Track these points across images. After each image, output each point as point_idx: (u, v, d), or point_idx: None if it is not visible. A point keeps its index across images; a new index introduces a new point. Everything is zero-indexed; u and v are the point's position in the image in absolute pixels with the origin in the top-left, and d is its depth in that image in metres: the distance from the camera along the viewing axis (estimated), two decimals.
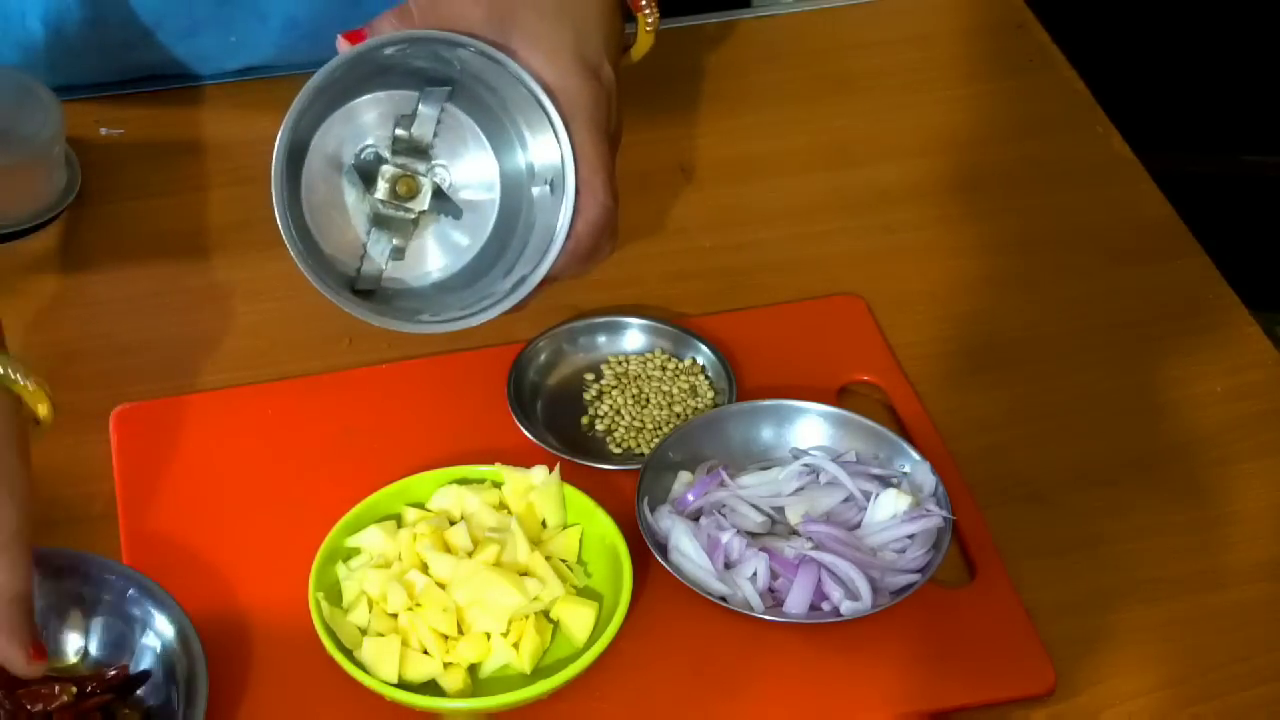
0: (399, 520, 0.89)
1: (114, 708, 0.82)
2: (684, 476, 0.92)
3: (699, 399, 0.98)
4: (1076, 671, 0.87)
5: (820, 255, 1.10)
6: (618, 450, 0.96)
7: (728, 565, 0.88)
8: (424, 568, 0.86)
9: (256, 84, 1.19)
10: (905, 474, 0.92)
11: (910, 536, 0.89)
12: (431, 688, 0.84)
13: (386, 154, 0.91)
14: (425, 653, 0.84)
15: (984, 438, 0.98)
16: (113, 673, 0.82)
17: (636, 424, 0.97)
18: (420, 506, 0.90)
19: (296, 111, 0.87)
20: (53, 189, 1.10)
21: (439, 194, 0.91)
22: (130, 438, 0.96)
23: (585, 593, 0.87)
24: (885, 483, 0.91)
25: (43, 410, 0.82)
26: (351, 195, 0.91)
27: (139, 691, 0.83)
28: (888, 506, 0.90)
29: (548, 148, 0.88)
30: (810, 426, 0.95)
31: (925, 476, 0.91)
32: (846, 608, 0.86)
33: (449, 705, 0.83)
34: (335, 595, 0.86)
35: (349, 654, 0.83)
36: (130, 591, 0.84)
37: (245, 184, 1.12)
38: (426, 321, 0.90)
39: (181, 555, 0.90)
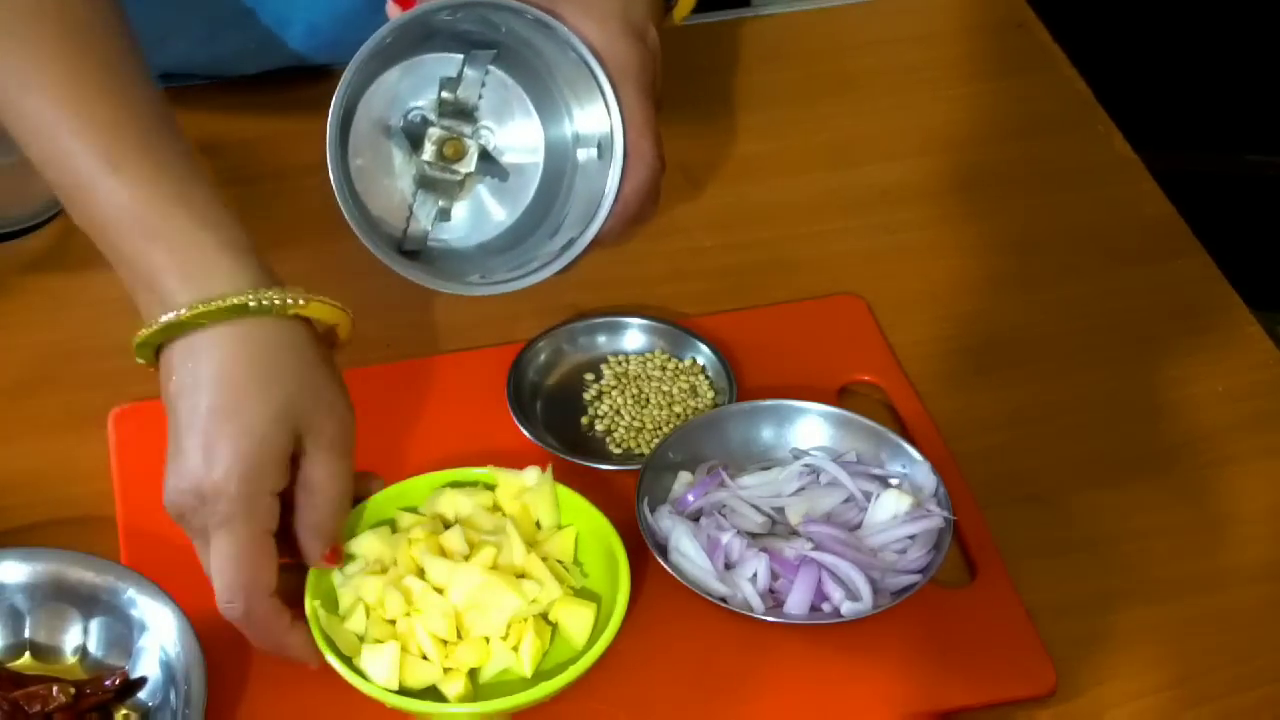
0: (393, 525, 0.88)
1: (112, 708, 0.82)
2: (684, 477, 0.92)
3: (699, 399, 0.98)
4: (1078, 672, 0.87)
5: (820, 255, 1.09)
6: (618, 450, 0.96)
7: (728, 566, 0.88)
8: (420, 573, 0.85)
9: (257, 84, 1.19)
10: (906, 474, 0.92)
11: (911, 537, 0.89)
12: (432, 693, 0.83)
13: (433, 117, 0.92)
14: (425, 658, 0.83)
15: (984, 438, 0.98)
16: (109, 681, 0.82)
17: (636, 424, 0.97)
18: (414, 510, 0.89)
19: (349, 79, 0.88)
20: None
21: (485, 156, 0.93)
22: (130, 438, 0.96)
23: (583, 593, 0.87)
24: (886, 483, 0.91)
25: (339, 324, 0.84)
26: (399, 158, 0.93)
27: (138, 692, 0.83)
28: (888, 507, 0.90)
29: (595, 112, 0.89)
30: (810, 426, 0.95)
31: (926, 477, 0.91)
32: (847, 608, 0.86)
33: (450, 710, 0.82)
34: (331, 603, 0.85)
35: (348, 661, 0.83)
36: (130, 591, 0.84)
37: (245, 184, 1.12)
38: (476, 284, 0.91)
39: (181, 555, 0.90)
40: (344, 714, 0.84)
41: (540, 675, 0.83)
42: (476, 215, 0.95)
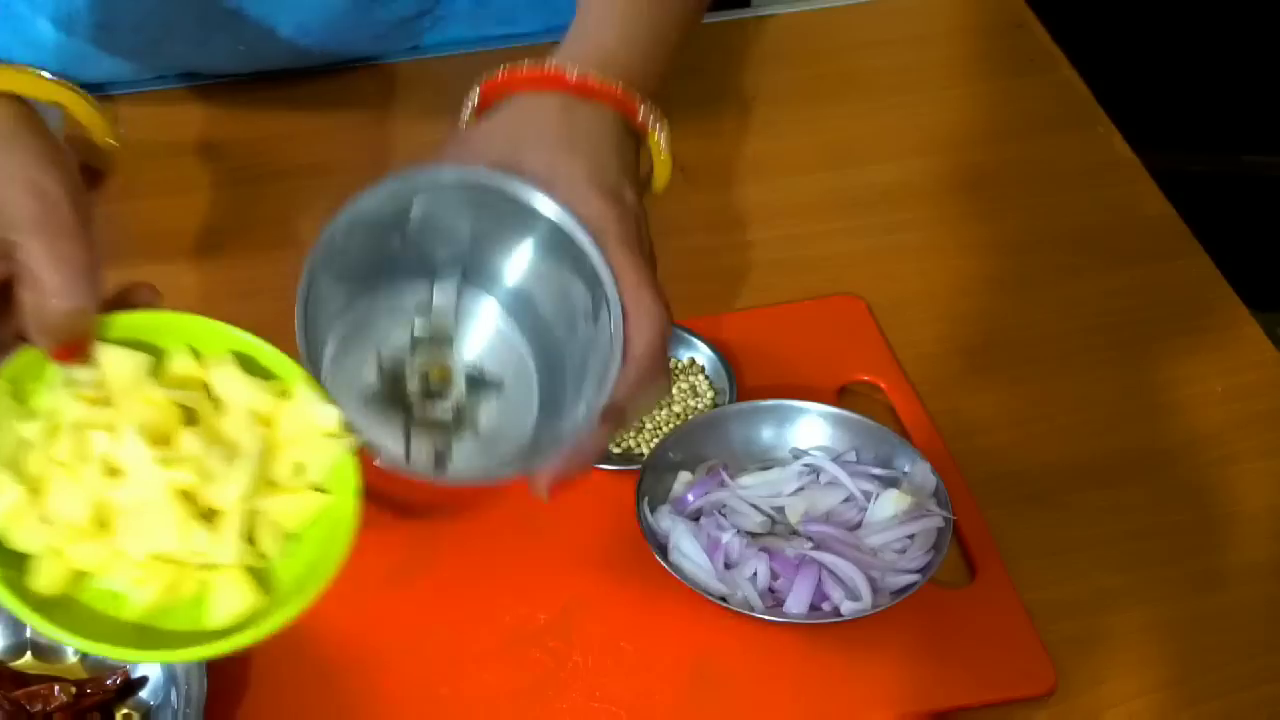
0: (158, 359, 0.73)
1: (113, 707, 0.82)
2: (684, 476, 0.92)
3: (699, 399, 0.98)
4: (1077, 672, 0.87)
5: (820, 255, 1.09)
6: (617, 450, 0.96)
7: (728, 565, 0.88)
8: (118, 438, 0.70)
9: (257, 84, 1.19)
10: (905, 474, 0.92)
11: (910, 537, 0.89)
12: (21, 563, 0.69)
13: (406, 355, 0.82)
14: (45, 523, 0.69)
15: (984, 438, 0.98)
16: (110, 680, 0.82)
17: (636, 424, 0.97)
18: (192, 355, 0.74)
19: (304, 351, 0.76)
20: None
21: (472, 381, 0.82)
22: None
23: (261, 576, 0.72)
24: (885, 483, 0.91)
25: (73, 109, 0.76)
26: (382, 421, 0.80)
27: (139, 692, 0.83)
28: (888, 506, 0.90)
29: (583, 279, 0.79)
30: (810, 426, 0.95)
31: (925, 476, 0.91)
32: (847, 608, 0.86)
33: (14, 605, 0.68)
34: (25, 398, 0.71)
35: None
36: None
37: (245, 184, 1.12)
38: (500, 470, 0.80)
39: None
40: (344, 714, 0.84)
41: (143, 629, 0.70)
42: (489, 442, 0.82)
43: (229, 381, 0.73)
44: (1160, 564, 0.92)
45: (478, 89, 0.82)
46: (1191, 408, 1.01)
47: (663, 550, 0.89)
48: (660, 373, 0.77)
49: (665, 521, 0.89)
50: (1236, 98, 2.03)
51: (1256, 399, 1.01)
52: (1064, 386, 1.02)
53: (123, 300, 0.73)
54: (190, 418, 0.72)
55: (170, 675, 0.82)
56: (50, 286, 0.69)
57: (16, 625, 0.85)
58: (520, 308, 0.82)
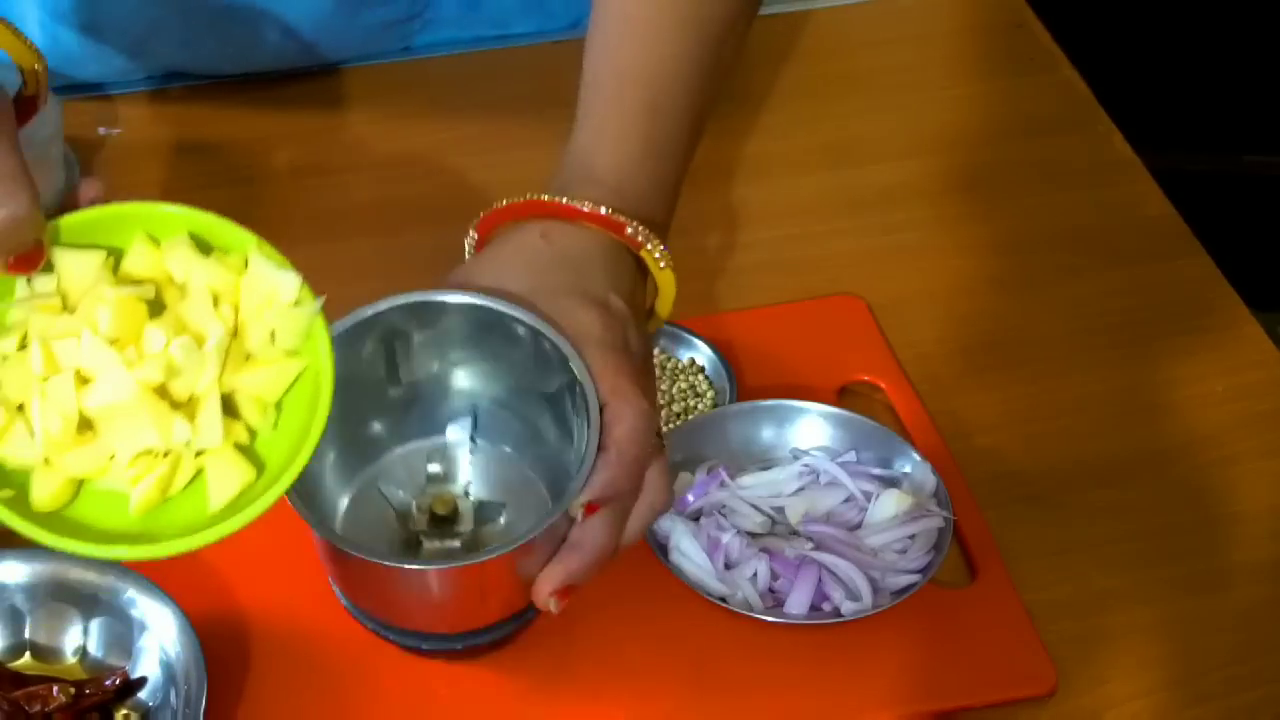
0: (113, 258, 0.72)
1: (112, 708, 0.82)
2: (684, 477, 0.92)
3: (699, 399, 0.98)
4: (1078, 672, 0.87)
5: (820, 255, 1.09)
6: None
7: (728, 566, 0.88)
8: (81, 339, 0.70)
9: (257, 84, 1.19)
10: (906, 474, 0.92)
11: (911, 537, 0.89)
12: (18, 482, 0.69)
13: (413, 498, 0.84)
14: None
15: (984, 438, 0.98)
16: (109, 681, 0.82)
17: None
18: (148, 245, 0.72)
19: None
20: (51, 189, 1.09)
21: (479, 506, 0.84)
22: None
23: (249, 452, 0.72)
24: (885, 483, 0.91)
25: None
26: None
27: (138, 692, 0.83)
28: (888, 507, 0.90)
29: (566, 387, 0.79)
30: (810, 426, 0.95)
31: (926, 476, 0.91)
32: (847, 608, 0.86)
33: (18, 524, 0.68)
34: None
35: None
36: (130, 591, 0.84)
37: (245, 184, 1.12)
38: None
39: (181, 556, 0.90)
40: (344, 714, 0.84)
41: (146, 528, 0.70)
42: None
43: (187, 264, 0.72)
44: (1161, 564, 0.92)
45: (473, 229, 0.85)
46: (1192, 408, 1.01)
47: (663, 550, 0.89)
48: (639, 463, 0.77)
49: (665, 522, 0.89)
50: (1236, 98, 2.03)
51: (1257, 399, 1.01)
52: (1064, 386, 1.02)
53: (70, 204, 0.72)
54: (156, 309, 0.71)
55: (170, 675, 0.82)
56: None
57: (15, 625, 0.85)
58: (516, 422, 0.84)
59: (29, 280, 0.70)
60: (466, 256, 0.85)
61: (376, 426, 0.85)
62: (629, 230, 0.82)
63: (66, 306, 0.70)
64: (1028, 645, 0.87)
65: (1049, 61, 1.25)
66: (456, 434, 0.85)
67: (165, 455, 0.70)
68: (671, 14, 0.89)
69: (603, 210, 0.82)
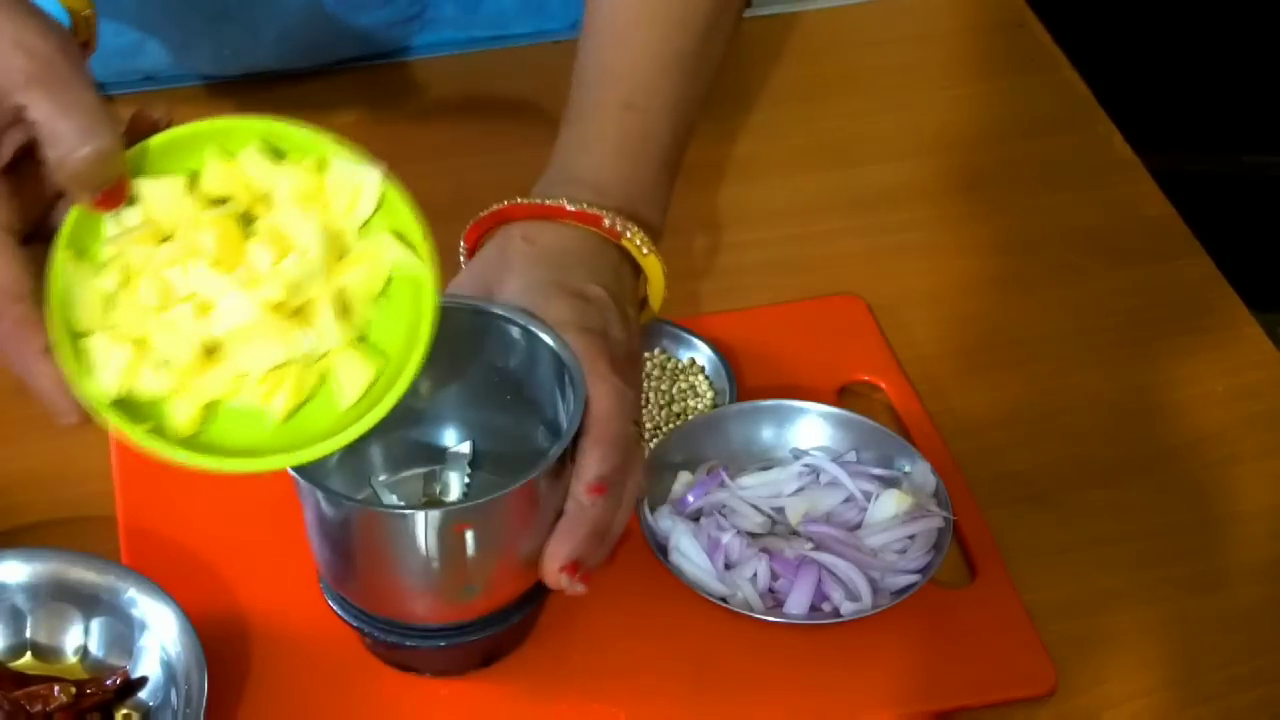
0: (192, 182, 0.73)
1: (113, 708, 0.82)
2: (684, 477, 0.92)
3: (699, 399, 0.98)
4: (1077, 672, 0.87)
5: (820, 255, 1.09)
6: None
7: (728, 566, 0.88)
8: (188, 272, 0.72)
9: (256, 84, 1.19)
10: (905, 474, 0.92)
11: (911, 537, 0.89)
12: (152, 412, 0.72)
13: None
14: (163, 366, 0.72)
15: (984, 438, 0.98)
16: (110, 681, 0.82)
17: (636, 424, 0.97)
18: (224, 166, 0.74)
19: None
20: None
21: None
22: None
23: (368, 345, 0.74)
24: (885, 483, 0.91)
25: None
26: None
27: (138, 692, 0.83)
28: (888, 507, 0.90)
29: (554, 375, 0.81)
30: (810, 426, 0.95)
31: (926, 476, 0.91)
32: (847, 608, 0.86)
33: (167, 450, 0.71)
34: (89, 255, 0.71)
35: (76, 340, 0.70)
36: (130, 591, 0.84)
37: None
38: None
39: (181, 555, 0.90)
40: (344, 714, 0.84)
41: (287, 436, 0.73)
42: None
43: (267, 174, 0.74)
44: (1160, 564, 0.92)
45: (462, 241, 0.87)
46: (1192, 408, 1.01)
47: (663, 551, 0.89)
48: (621, 443, 0.79)
49: (665, 522, 0.89)
50: (1236, 98, 2.03)
51: (1257, 399, 1.01)
52: (1064, 386, 1.02)
53: (138, 132, 0.73)
54: (248, 221, 0.73)
55: (171, 675, 0.82)
56: (65, 136, 0.69)
57: (15, 625, 0.85)
58: (514, 448, 0.85)
59: (116, 215, 0.71)
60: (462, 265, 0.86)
61: (372, 451, 0.87)
62: (606, 222, 0.84)
63: (163, 234, 0.72)
64: (1027, 645, 0.87)
65: (1049, 62, 1.25)
66: (454, 461, 0.87)
67: (292, 365, 0.72)
68: (651, 12, 0.90)
69: (580, 207, 0.84)
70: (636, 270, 0.87)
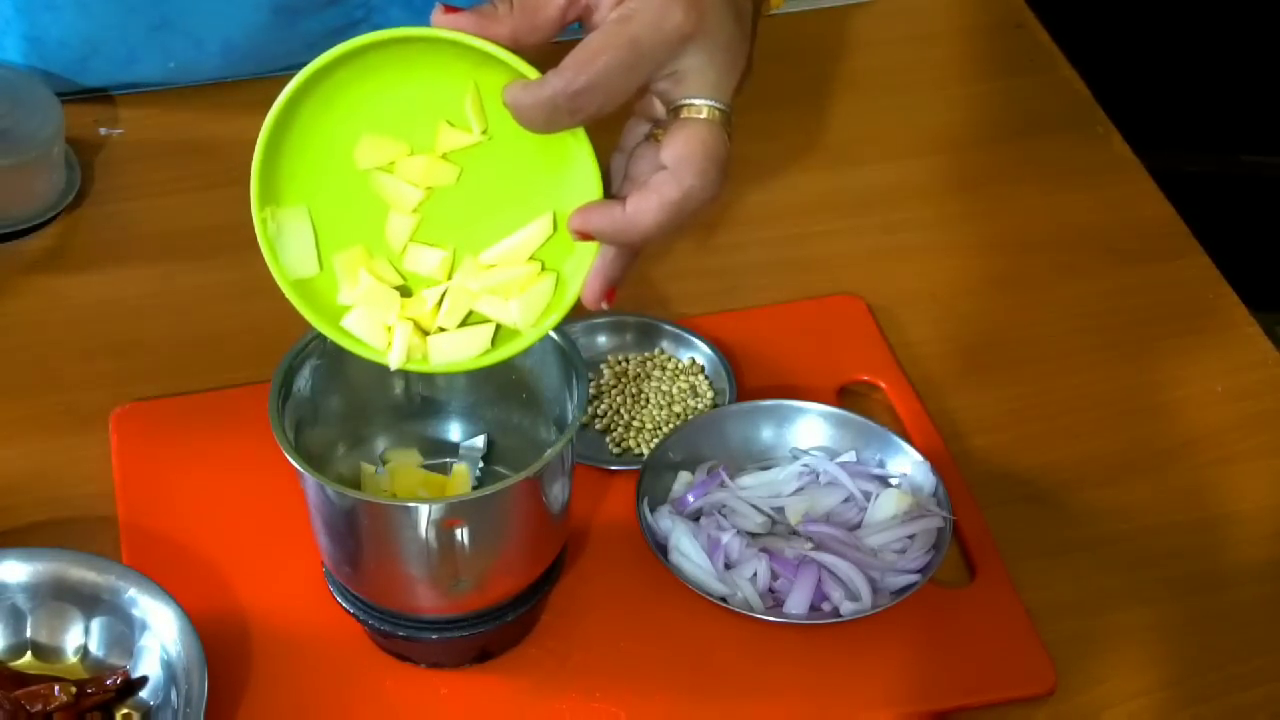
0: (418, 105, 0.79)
1: (114, 707, 0.82)
2: (684, 477, 0.92)
3: (699, 399, 0.98)
4: (1077, 672, 0.87)
5: (820, 255, 1.09)
6: (616, 450, 0.96)
7: (728, 566, 0.88)
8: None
9: (256, 84, 1.19)
10: (905, 474, 0.92)
11: (910, 537, 0.89)
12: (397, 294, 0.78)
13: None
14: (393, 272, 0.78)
15: (984, 438, 0.98)
16: (110, 680, 0.82)
17: (635, 424, 0.97)
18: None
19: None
20: (52, 189, 1.10)
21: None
22: (130, 438, 0.96)
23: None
24: (885, 483, 0.91)
25: None
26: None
27: (139, 692, 0.83)
28: (888, 507, 0.90)
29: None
30: (810, 426, 0.95)
31: (925, 476, 0.91)
32: (847, 608, 0.86)
33: (375, 354, 0.77)
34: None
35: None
36: (130, 591, 0.84)
37: (245, 184, 1.12)
38: None
39: (181, 555, 0.90)
40: (344, 714, 0.84)
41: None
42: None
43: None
44: (1160, 564, 0.92)
45: None
46: (1191, 408, 1.01)
47: (663, 550, 0.89)
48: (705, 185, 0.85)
49: (665, 521, 0.89)
50: (1236, 98, 2.03)
51: (1256, 399, 1.01)
52: (1064, 386, 1.02)
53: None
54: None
55: (171, 674, 0.82)
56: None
57: (16, 625, 0.85)
58: (526, 444, 0.87)
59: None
60: None
61: (382, 444, 0.88)
62: None
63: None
64: (1027, 645, 0.87)
65: (1048, 61, 1.25)
66: (468, 455, 0.88)
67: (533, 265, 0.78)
68: None
69: None
70: None
